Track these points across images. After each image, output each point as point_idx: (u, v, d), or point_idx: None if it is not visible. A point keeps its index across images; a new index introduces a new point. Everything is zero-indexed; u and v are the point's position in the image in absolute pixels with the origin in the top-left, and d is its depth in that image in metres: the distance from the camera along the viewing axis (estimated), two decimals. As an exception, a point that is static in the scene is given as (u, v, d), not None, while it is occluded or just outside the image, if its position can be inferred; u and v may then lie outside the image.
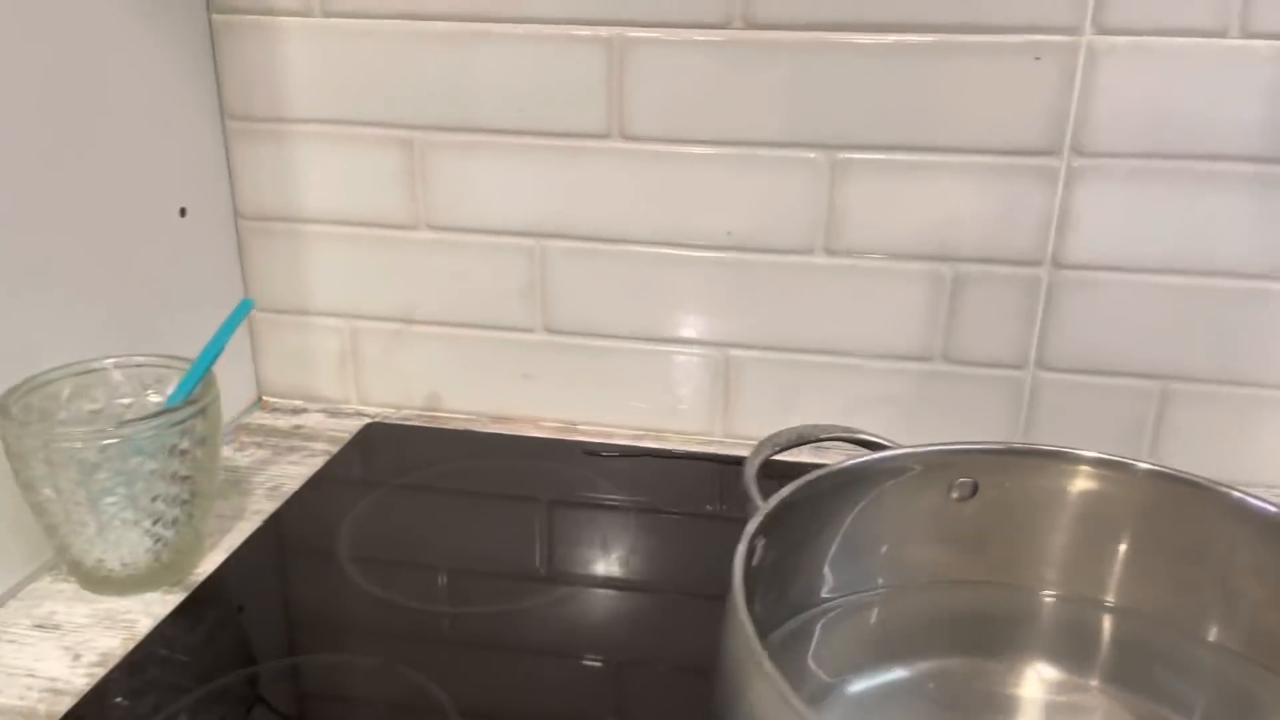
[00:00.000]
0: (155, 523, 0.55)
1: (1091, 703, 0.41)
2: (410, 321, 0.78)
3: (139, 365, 0.60)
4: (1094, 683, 0.42)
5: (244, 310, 0.57)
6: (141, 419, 0.54)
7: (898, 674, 0.42)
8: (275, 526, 0.64)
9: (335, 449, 0.74)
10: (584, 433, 0.77)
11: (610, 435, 0.77)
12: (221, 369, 0.59)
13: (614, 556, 0.61)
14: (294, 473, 0.71)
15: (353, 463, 0.73)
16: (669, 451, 0.74)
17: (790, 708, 0.30)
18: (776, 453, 0.46)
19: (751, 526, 0.38)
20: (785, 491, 0.41)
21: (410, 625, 0.55)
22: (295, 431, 0.78)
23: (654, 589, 0.58)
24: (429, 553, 0.62)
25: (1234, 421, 0.67)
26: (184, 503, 0.56)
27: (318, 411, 0.81)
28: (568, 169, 0.71)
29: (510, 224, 0.73)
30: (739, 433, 0.76)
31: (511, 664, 0.52)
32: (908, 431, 0.71)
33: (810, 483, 0.41)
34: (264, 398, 0.82)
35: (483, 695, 0.50)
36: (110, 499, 0.53)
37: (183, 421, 0.54)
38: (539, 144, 0.71)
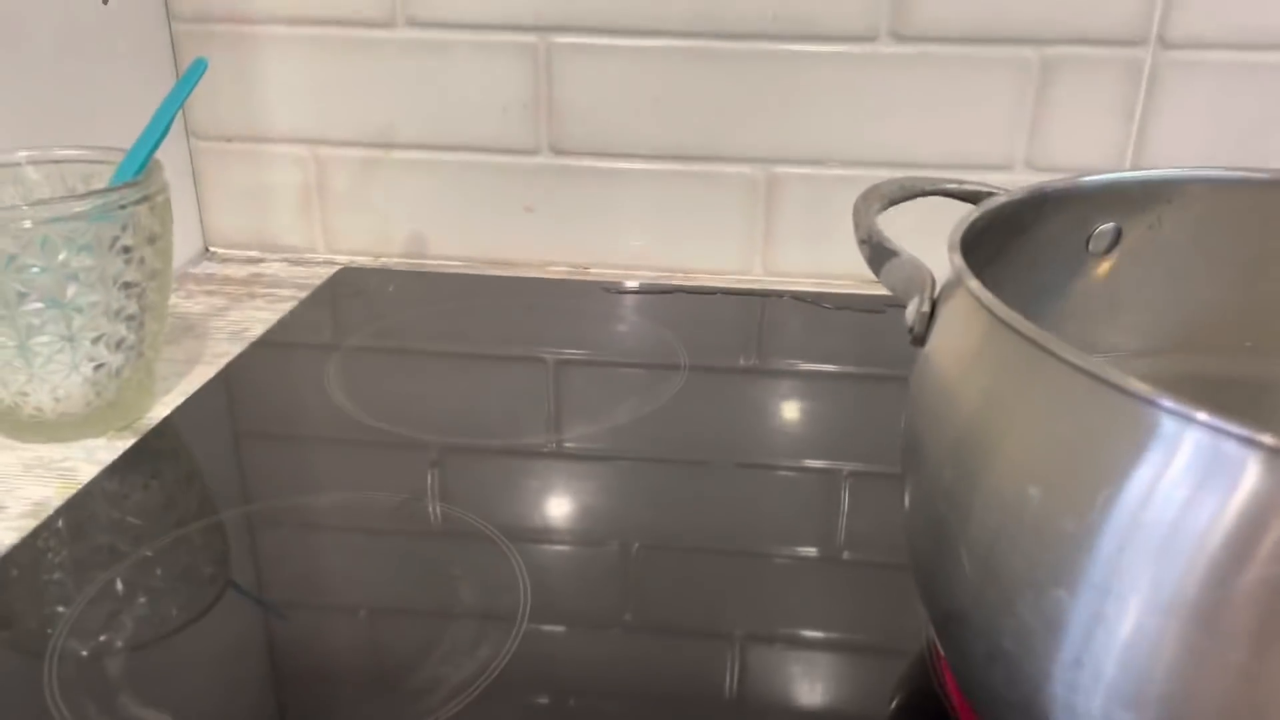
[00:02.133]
0: (95, 340, 0.43)
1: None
2: (388, 146, 0.65)
3: (59, 161, 0.47)
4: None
5: (197, 71, 0.45)
6: (76, 197, 0.41)
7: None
8: (241, 369, 0.52)
9: (305, 294, 0.62)
10: (596, 277, 0.66)
11: (630, 278, 0.66)
12: None
13: (643, 414, 0.50)
14: (260, 317, 0.59)
15: (328, 306, 0.61)
16: (704, 288, 0.63)
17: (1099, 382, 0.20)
18: (887, 208, 0.36)
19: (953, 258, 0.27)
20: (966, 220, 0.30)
21: (426, 459, 0.44)
22: (255, 279, 0.65)
23: (693, 460, 0.48)
24: (428, 386, 0.51)
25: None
26: (130, 319, 0.44)
27: (278, 261, 0.68)
28: (581, -56, 0.59)
29: (508, 15, 0.61)
30: (783, 269, 0.65)
31: (549, 489, 0.42)
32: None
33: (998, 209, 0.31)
34: (211, 248, 0.69)
35: (531, 533, 0.39)
36: (34, 304, 0.41)
37: (123, 208, 0.42)
38: (545, -88, 0.58)
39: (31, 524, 0.39)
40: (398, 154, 0.65)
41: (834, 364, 0.53)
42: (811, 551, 0.38)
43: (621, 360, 0.54)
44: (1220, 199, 0.35)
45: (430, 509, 0.40)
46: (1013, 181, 0.60)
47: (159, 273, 0.45)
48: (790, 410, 0.50)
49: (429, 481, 0.42)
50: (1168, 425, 0.19)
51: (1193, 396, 0.19)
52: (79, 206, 0.41)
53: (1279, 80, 0.57)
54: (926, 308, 0.28)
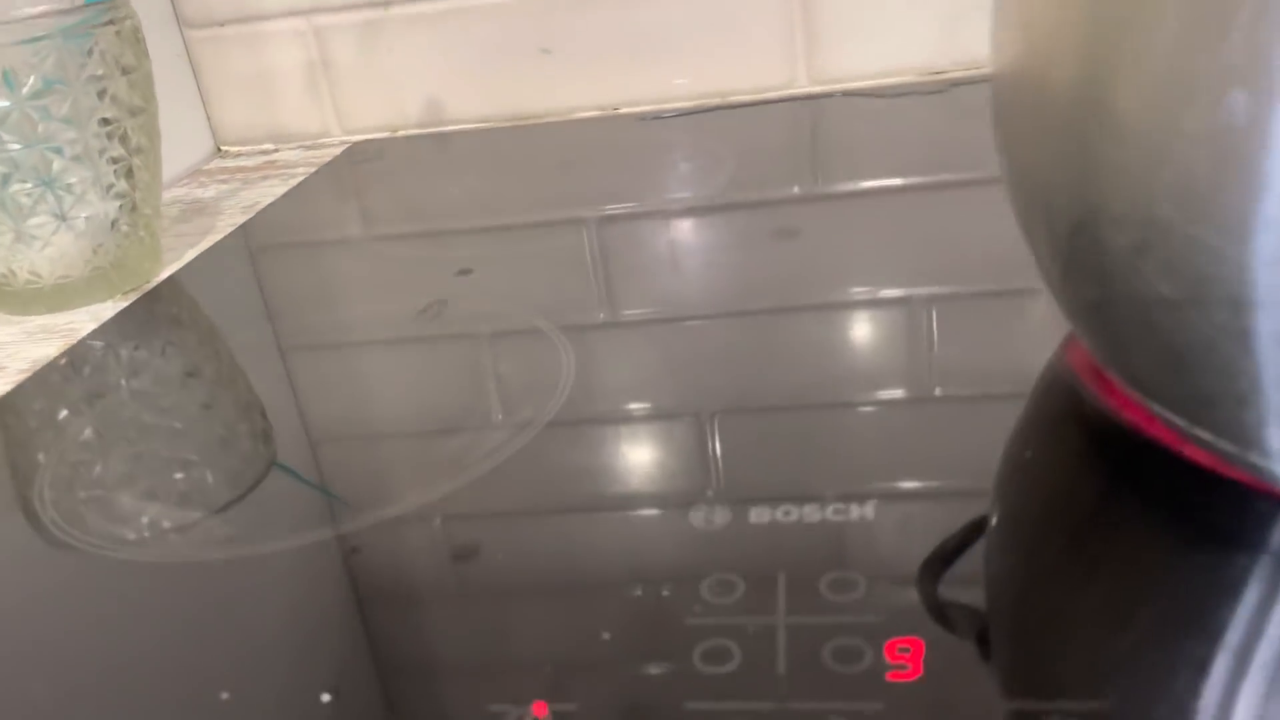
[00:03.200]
0: (80, 192, 0.39)
1: None
2: (387, 4, 0.60)
3: (28, 19, 0.43)
4: None
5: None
6: (30, 19, 0.37)
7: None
8: (254, 228, 0.48)
9: (318, 169, 0.58)
10: (628, 118, 0.61)
11: (663, 112, 0.60)
12: (166, 114, 0.43)
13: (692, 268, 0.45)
14: (274, 192, 0.55)
15: (344, 175, 0.57)
16: (747, 102, 0.58)
17: None
18: None
19: None
20: None
21: (453, 269, 0.39)
22: (268, 165, 0.61)
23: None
24: (459, 218, 0.46)
25: None
26: (115, 163, 0.40)
27: (292, 150, 0.64)
28: None
29: None
30: (829, 74, 0.59)
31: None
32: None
33: None
34: (222, 147, 0.66)
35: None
36: (5, 148, 0.37)
37: (90, 30, 0.38)
38: None
39: (28, 376, 0.35)
40: (397, 9, 0.60)
41: (899, 176, 0.46)
42: (899, 394, 0.31)
43: (662, 209, 0.47)
44: None
45: (474, 310, 0.35)
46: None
47: (140, 110, 0.41)
48: (858, 233, 0.43)
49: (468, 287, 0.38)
50: None
51: None
52: (38, 27, 0.37)
53: None
54: None
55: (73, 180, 0.39)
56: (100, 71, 0.38)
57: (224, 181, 0.59)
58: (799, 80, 0.59)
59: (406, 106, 0.63)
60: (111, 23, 0.39)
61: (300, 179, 0.56)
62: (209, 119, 0.65)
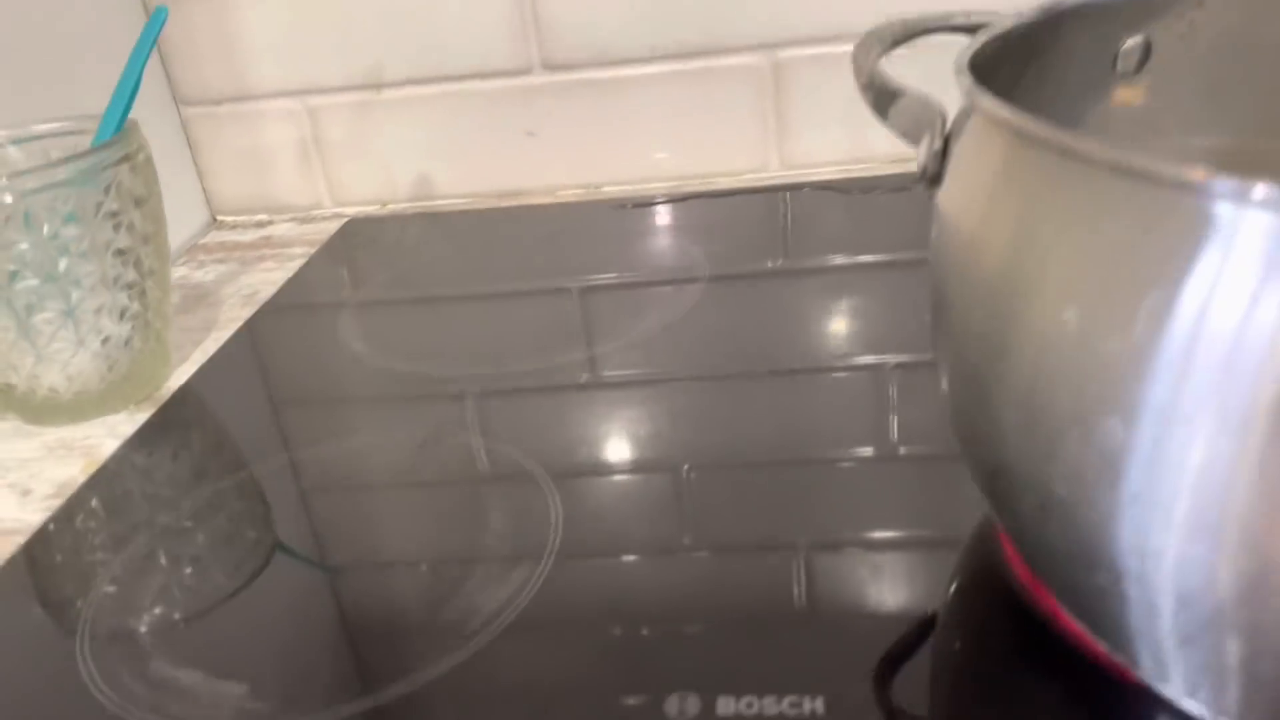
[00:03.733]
0: (98, 312, 0.42)
1: None
2: (379, 86, 0.63)
3: (41, 136, 0.46)
4: None
5: (159, 20, 0.43)
6: (52, 164, 0.40)
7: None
8: (256, 330, 0.51)
9: (315, 250, 0.61)
10: (610, 195, 0.64)
11: (644, 191, 0.63)
12: (163, 186, 0.45)
13: (673, 332, 0.48)
14: (271, 279, 0.57)
15: (340, 258, 0.59)
16: (722, 190, 0.61)
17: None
18: (889, 50, 0.33)
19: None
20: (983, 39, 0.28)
21: (450, 394, 0.42)
22: (264, 242, 0.64)
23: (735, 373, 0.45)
24: (448, 349, 0.49)
25: None
26: (130, 287, 0.43)
27: (286, 221, 0.67)
28: None
29: (484, -71, 0.58)
30: (800, 160, 0.62)
31: (582, 418, 0.40)
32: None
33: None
34: (218, 217, 0.68)
35: (561, 453, 0.37)
36: (28, 282, 0.40)
37: (103, 170, 0.40)
38: None
39: (57, 503, 0.38)
40: (389, 93, 0.63)
41: (867, 254, 0.50)
42: (867, 451, 0.36)
43: (646, 280, 0.52)
44: (1260, -7, 0.31)
45: (469, 444, 0.39)
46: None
47: (152, 236, 0.43)
48: (827, 307, 0.47)
49: (465, 416, 0.41)
50: (1221, 211, 0.17)
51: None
52: (58, 174, 0.39)
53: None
54: (939, 144, 0.26)
55: (91, 308, 0.42)
56: (115, 207, 0.41)
57: (221, 261, 0.61)
58: (771, 164, 0.63)
59: (397, 182, 0.66)
60: (126, 158, 0.42)
61: (297, 261, 0.59)
62: (205, 190, 0.67)
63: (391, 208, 0.66)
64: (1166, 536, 0.20)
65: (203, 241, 0.65)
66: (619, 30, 0.60)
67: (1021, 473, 0.22)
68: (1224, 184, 0.17)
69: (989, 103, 0.23)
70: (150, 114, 0.48)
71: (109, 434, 0.43)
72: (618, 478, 0.36)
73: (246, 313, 0.53)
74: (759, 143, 0.62)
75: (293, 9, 0.61)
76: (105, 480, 0.39)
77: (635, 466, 0.36)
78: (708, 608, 0.29)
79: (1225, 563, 0.20)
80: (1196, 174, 0.17)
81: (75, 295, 0.41)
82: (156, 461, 0.41)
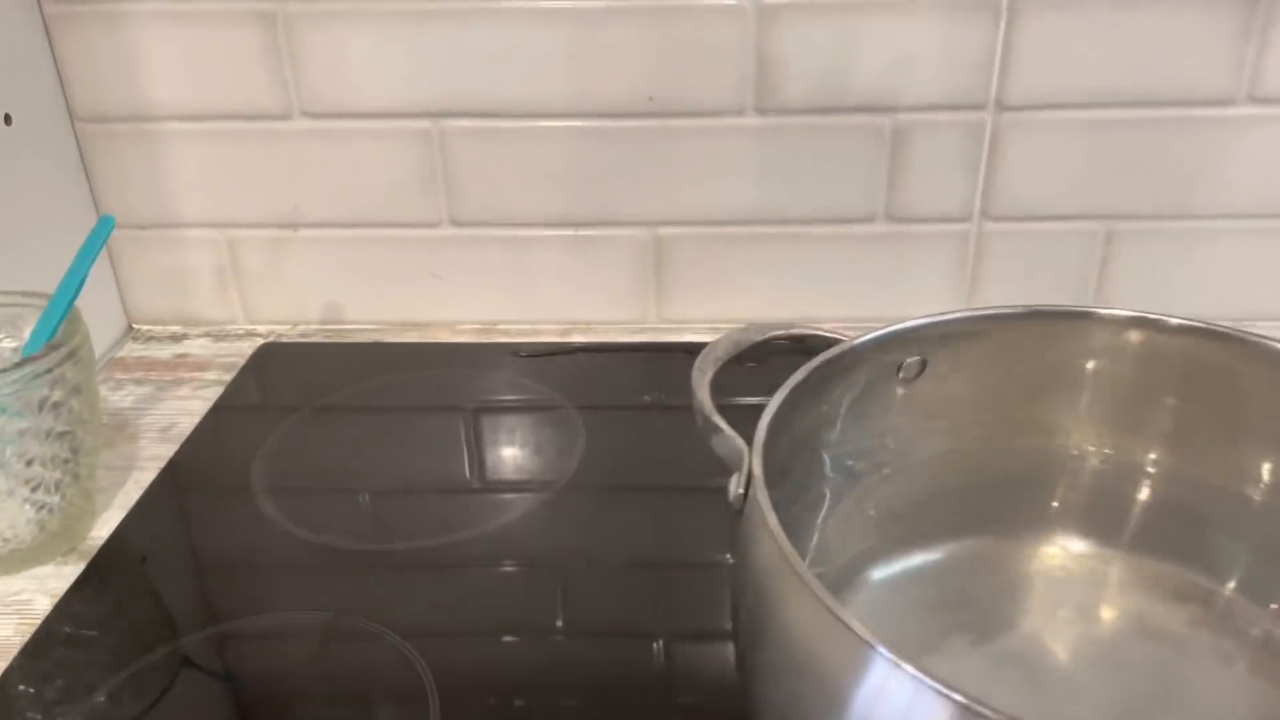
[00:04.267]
0: (35, 489, 0.47)
1: (1116, 572, 0.39)
2: (295, 226, 0.69)
3: (-16, 308, 0.51)
4: (1120, 551, 0.39)
5: (104, 229, 0.48)
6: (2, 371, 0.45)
7: (914, 559, 0.39)
8: (175, 472, 0.57)
9: (229, 376, 0.66)
10: (505, 333, 0.71)
11: (536, 333, 0.71)
12: (82, 299, 0.50)
13: (553, 461, 0.56)
14: (187, 408, 0.63)
15: (252, 390, 0.65)
16: (602, 345, 0.69)
17: (837, 620, 0.26)
18: (720, 366, 0.41)
19: (752, 460, 0.33)
20: (771, 410, 0.36)
21: (349, 567, 0.49)
22: (180, 361, 0.69)
23: (602, 489, 0.54)
24: (353, 482, 0.56)
25: (1179, 257, 0.66)
26: (65, 462, 0.48)
27: (201, 336, 0.72)
28: (462, 35, 0.62)
29: (400, 104, 0.64)
30: (675, 317, 0.70)
31: (463, 593, 0.47)
32: (854, 298, 0.68)
33: (794, 390, 0.37)
34: (135, 325, 0.73)
35: (445, 645, 0.45)
36: (-25, 468, 0.45)
37: (50, 370, 0.46)
38: (425, 7, 0.61)
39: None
40: (306, 232, 0.69)
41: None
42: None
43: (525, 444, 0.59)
44: (1002, 331, 0.41)
45: (354, 624, 0.45)
46: (872, 232, 0.66)
47: (88, 419, 0.49)
48: (688, 439, 0.55)
49: (352, 596, 0.48)
50: (879, 664, 0.26)
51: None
52: (6, 383, 0.44)
53: (1103, 133, 0.62)
54: (742, 489, 0.34)
55: (30, 486, 0.47)
56: (58, 398, 0.47)
57: (139, 382, 0.66)
58: (650, 318, 0.71)
59: (308, 306, 0.72)
60: (71, 354, 0.47)
61: (213, 389, 0.64)
62: (123, 301, 0.72)
63: (302, 328, 0.72)
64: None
65: (119, 355, 0.70)
66: (520, 199, 0.67)
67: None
68: (885, 652, 0.25)
69: (762, 498, 0.31)
70: (76, 229, 0.51)
71: (40, 589, 0.48)
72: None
73: (166, 450, 0.58)
74: (640, 299, 0.70)
75: (219, 152, 0.66)
76: (42, 639, 0.45)
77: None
78: None
79: None
80: (863, 632, 0.26)
81: (19, 477, 0.46)
82: (88, 626, 0.46)
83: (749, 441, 0.35)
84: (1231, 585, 0.37)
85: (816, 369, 0.37)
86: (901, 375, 0.41)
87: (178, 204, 0.68)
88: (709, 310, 0.70)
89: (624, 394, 0.63)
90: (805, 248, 0.67)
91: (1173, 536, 0.38)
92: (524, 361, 0.67)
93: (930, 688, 0.24)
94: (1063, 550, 0.40)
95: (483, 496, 0.54)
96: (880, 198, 0.65)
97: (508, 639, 0.45)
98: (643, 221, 0.67)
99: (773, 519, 0.30)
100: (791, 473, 0.36)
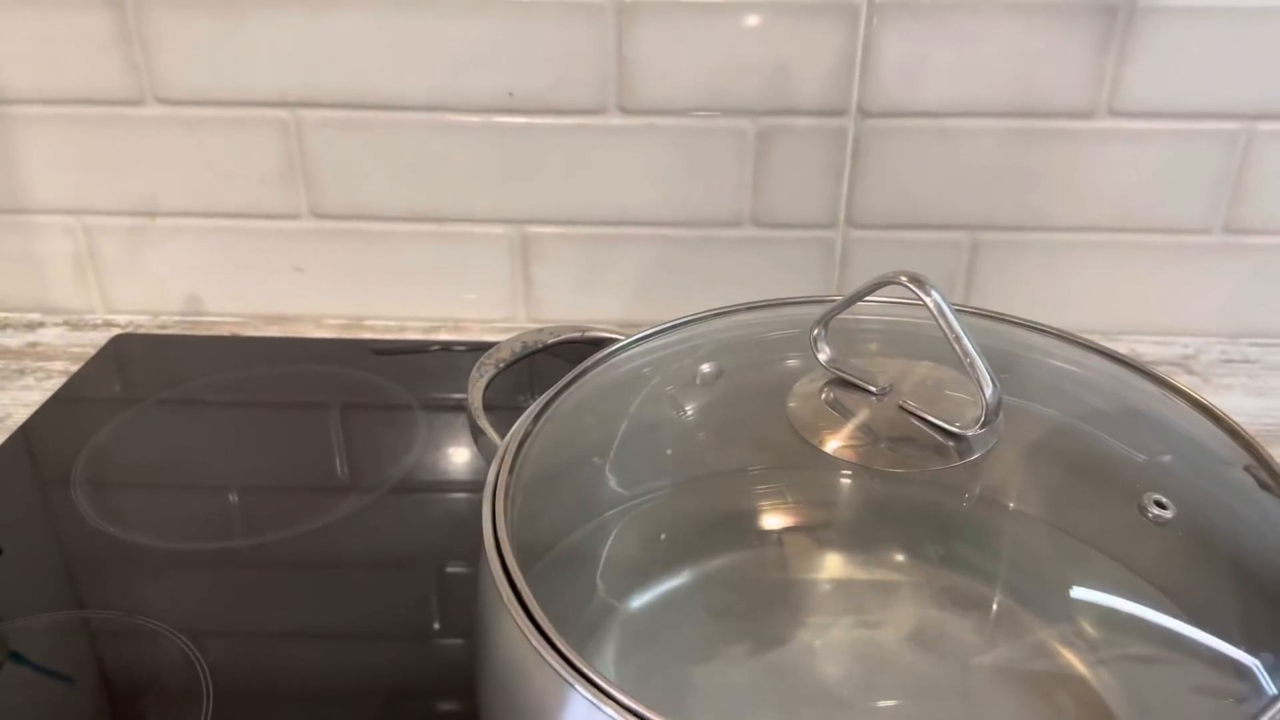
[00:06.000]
0: None
1: (891, 579, 0.38)
2: (153, 214, 0.67)
3: None
4: (897, 558, 0.38)
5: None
6: None
7: (684, 578, 0.37)
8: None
9: (77, 367, 0.64)
10: (372, 329, 0.70)
11: (402, 329, 0.69)
12: None
13: (418, 459, 0.55)
14: (26, 399, 0.61)
15: (98, 380, 0.63)
16: (469, 343, 0.67)
17: (532, 649, 0.25)
18: (502, 371, 0.40)
19: (498, 470, 0.32)
20: (526, 419, 0.35)
21: (148, 565, 0.48)
22: (29, 350, 0.67)
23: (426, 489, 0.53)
24: (176, 477, 0.54)
25: (1043, 269, 0.66)
26: None
27: (57, 325, 0.70)
28: (317, 23, 0.60)
29: (256, 93, 0.63)
30: (544, 316, 0.69)
31: (259, 593, 0.46)
32: (723, 303, 0.67)
33: (554, 399, 0.36)
34: (-10, 313, 0.71)
35: (228, 644, 0.43)
36: None
37: None
38: (279, -4, 0.60)
39: None
40: (164, 221, 0.67)
41: None
42: None
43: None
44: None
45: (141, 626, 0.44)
46: (739, 236, 0.65)
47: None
48: None
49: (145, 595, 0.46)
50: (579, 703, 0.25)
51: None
52: None
53: (966, 142, 0.62)
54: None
55: None
56: None
57: (-18, 369, 0.64)
58: (519, 317, 0.70)
59: (169, 297, 0.70)
60: None
61: (56, 380, 0.63)
62: (-24, 287, 0.70)
63: (163, 319, 0.70)
64: None
65: (-32, 342, 0.68)
66: (381, 192, 0.65)
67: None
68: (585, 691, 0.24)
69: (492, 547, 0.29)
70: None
71: None
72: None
73: (-3, 441, 0.57)
74: (509, 298, 0.69)
75: (72, 137, 0.64)
76: None
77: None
78: None
79: None
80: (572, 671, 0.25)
81: None
82: None
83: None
84: (1006, 596, 0.37)
85: (587, 371, 0.36)
86: (699, 381, 0.40)
87: (31, 189, 0.66)
88: (579, 311, 0.69)
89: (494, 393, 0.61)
90: (673, 250, 0.67)
91: (957, 549, 0.38)
92: (381, 360, 0.65)
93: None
94: (847, 561, 0.39)
95: (302, 496, 0.53)
96: (746, 202, 0.65)
97: (291, 640, 0.43)
98: (509, 219, 0.66)
99: (489, 526, 0.29)
100: (560, 483, 0.35)
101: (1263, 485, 0.32)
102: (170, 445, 0.58)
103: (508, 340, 0.40)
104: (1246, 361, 0.65)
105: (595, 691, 0.24)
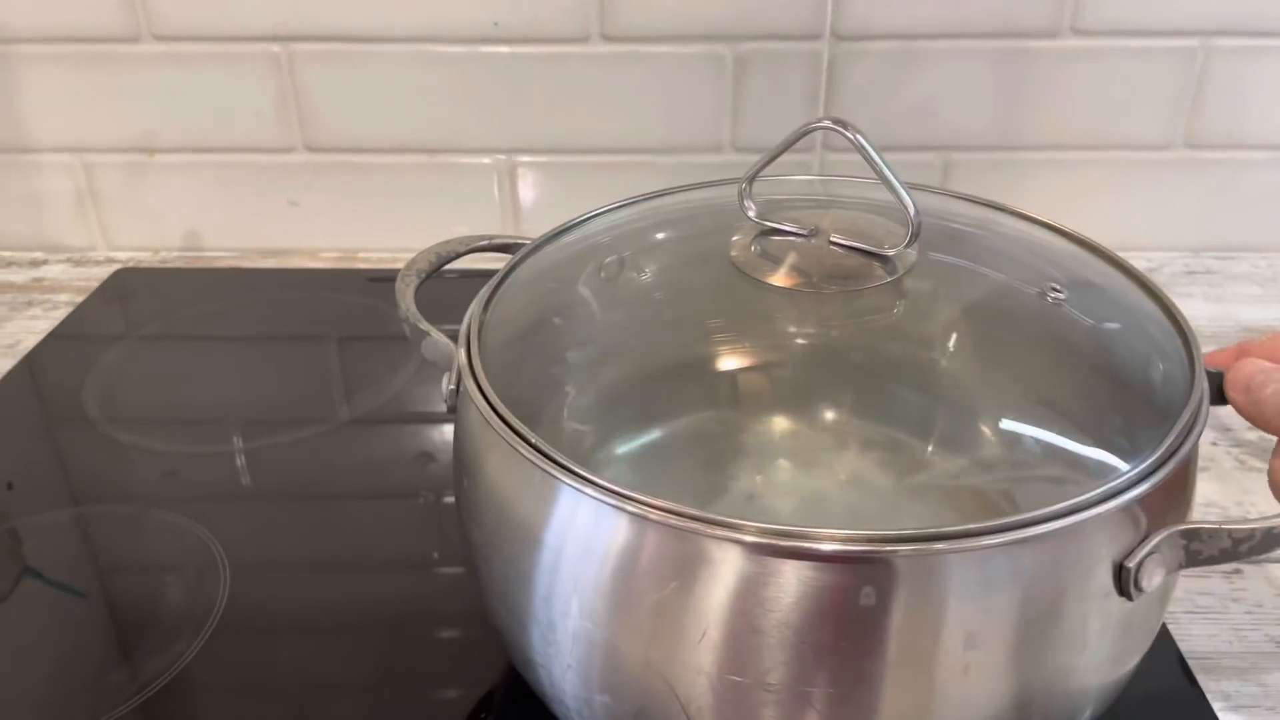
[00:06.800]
0: None
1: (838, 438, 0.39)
2: (151, 151, 0.69)
3: None
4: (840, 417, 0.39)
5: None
6: None
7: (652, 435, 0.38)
8: (7, 388, 0.57)
9: (81, 299, 0.66)
10: (366, 260, 0.72)
11: (396, 260, 0.71)
12: None
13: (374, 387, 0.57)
14: (35, 328, 0.63)
15: (102, 312, 0.66)
16: (461, 271, 0.70)
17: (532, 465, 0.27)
18: (424, 280, 0.42)
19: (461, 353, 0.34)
20: (484, 292, 0.37)
21: (157, 465, 0.50)
22: (34, 284, 0.69)
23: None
24: (198, 401, 0.57)
25: (1011, 187, 0.68)
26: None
27: (61, 262, 0.72)
28: (306, -41, 0.62)
29: (248, 28, 0.65)
30: (535, 231, 0.71)
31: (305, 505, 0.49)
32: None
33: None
34: (-6, 252, 0.73)
35: (257, 544, 0.46)
36: None
37: None
38: (268, -70, 0.62)
39: None
40: (162, 158, 0.69)
41: None
42: None
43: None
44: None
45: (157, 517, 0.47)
46: (721, 162, 0.67)
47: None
48: None
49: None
50: (566, 494, 0.27)
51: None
52: None
53: (936, 64, 0.64)
54: (454, 384, 0.34)
55: None
56: None
57: (-9, 303, 0.66)
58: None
59: (168, 233, 0.72)
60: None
61: (63, 310, 0.65)
62: (-19, 226, 0.72)
63: (163, 254, 0.72)
64: (589, 691, 0.30)
65: (-25, 278, 0.70)
66: (372, 124, 0.68)
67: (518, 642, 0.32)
68: (571, 479, 0.27)
69: (471, 385, 0.32)
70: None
71: None
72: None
73: (5, 364, 0.59)
74: (498, 226, 0.71)
75: (70, 75, 0.66)
76: None
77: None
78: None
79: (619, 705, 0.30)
80: (556, 464, 0.27)
81: None
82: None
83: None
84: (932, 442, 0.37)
85: (540, 246, 0.38)
86: (604, 275, 0.41)
87: (32, 127, 0.68)
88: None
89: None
90: (657, 177, 0.69)
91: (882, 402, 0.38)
92: (377, 286, 0.68)
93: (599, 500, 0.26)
94: (788, 420, 0.39)
95: (303, 408, 0.56)
96: (726, 128, 0.67)
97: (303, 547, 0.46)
98: (496, 149, 0.68)
99: (474, 384, 0.31)
100: (514, 377, 0.36)
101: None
102: (172, 372, 0.60)
103: (421, 252, 0.43)
104: (1209, 272, 0.68)
105: (585, 483, 0.27)
